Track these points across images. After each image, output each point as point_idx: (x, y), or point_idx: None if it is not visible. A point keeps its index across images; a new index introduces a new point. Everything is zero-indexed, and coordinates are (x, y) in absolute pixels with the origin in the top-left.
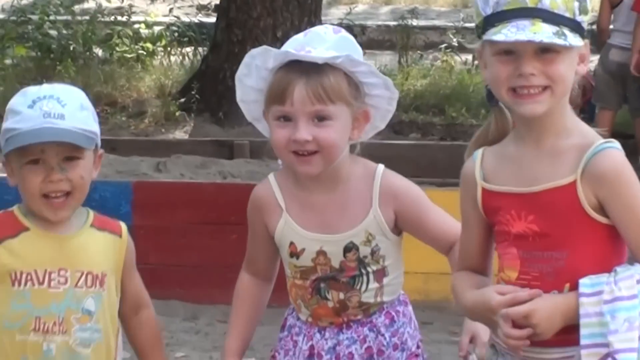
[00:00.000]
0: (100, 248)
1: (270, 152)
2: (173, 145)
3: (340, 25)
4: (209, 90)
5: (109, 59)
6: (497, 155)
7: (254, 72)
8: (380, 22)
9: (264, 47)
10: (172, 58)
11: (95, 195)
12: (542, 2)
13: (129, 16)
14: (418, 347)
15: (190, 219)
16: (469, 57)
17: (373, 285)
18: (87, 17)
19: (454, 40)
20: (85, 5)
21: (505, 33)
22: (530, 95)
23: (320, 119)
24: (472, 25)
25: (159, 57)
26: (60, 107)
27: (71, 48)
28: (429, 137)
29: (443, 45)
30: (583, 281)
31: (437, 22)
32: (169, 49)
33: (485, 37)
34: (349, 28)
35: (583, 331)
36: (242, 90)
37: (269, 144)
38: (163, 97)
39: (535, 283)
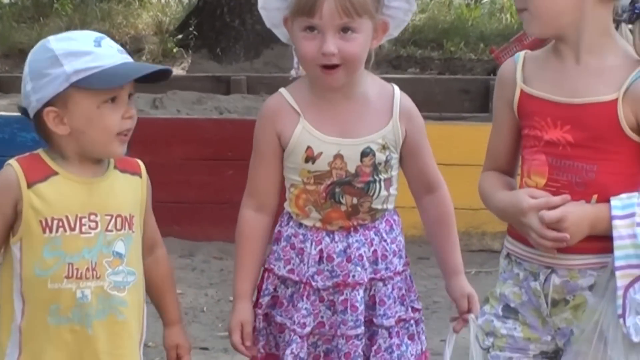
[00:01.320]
0: (126, 190)
1: (267, 88)
2: (170, 81)
3: None
4: (207, 26)
5: None
6: (538, 61)
7: None
8: None
9: None
10: None
11: None
12: None
13: None
14: (407, 257)
15: (187, 155)
16: None
17: (383, 192)
18: None
19: None
20: None
21: None
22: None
23: (346, 30)
24: None
25: None
26: (116, 44)
27: None
28: (428, 72)
29: None
30: (614, 203)
31: None
32: None
33: None
34: None
35: (617, 253)
36: None
37: (265, 79)
38: (160, 34)
39: (563, 191)
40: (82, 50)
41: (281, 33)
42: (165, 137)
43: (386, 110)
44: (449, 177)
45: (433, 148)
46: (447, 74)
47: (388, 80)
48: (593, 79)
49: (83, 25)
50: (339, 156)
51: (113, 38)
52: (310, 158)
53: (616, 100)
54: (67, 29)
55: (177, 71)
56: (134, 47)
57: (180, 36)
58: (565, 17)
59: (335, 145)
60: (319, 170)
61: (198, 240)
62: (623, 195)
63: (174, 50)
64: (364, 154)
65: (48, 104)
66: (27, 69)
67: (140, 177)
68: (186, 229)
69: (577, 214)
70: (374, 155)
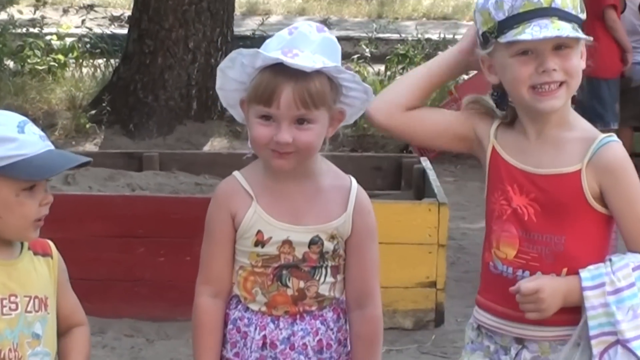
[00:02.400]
0: (40, 271)
1: (179, 164)
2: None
3: (253, 36)
4: (120, 102)
5: (20, 71)
6: (507, 133)
7: (238, 67)
8: None
9: (255, 50)
10: (84, 70)
11: None
12: (555, 2)
13: (41, 28)
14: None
15: (98, 232)
16: (382, 67)
17: (329, 279)
18: None
19: (367, 50)
20: None
21: (530, 32)
22: (550, 91)
23: (302, 122)
24: (385, 35)
25: (71, 68)
26: (38, 129)
27: None
28: (340, 149)
29: (356, 56)
30: (584, 275)
31: (350, 33)
32: (80, 60)
33: (505, 39)
34: (263, 39)
35: (591, 323)
36: (223, 80)
37: (178, 155)
38: (74, 109)
39: (534, 264)
40: (6, 136)
41: (237, 113)
42: (76, 214)
43: (340, 202)
44: None
45: None
46: (360, 150)
47: None
48: (556, 151)
49: None
50: (287, 242)
51: (26, 113)
52: (259, 242)
53: (579, 170)
54: None
55: (89, 147)
56: (47, 122)
57: (93, 112)
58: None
59: (284, 231)
60: (267, 254)
61: (109, 317)
62: (591, 267)
63: (87, 126)
64: (312, 242)
65: None
66: None
67: (52, 257)
68: (97, 306)
69: (552, 286)
70: (322, 244)
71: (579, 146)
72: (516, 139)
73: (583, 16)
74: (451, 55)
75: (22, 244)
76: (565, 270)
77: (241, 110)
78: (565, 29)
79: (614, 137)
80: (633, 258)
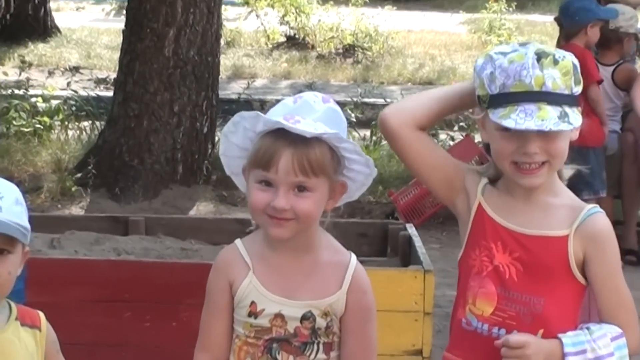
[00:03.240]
0: (26, 343)
1: (165, 229)
2: (68, 221)
3: (238, 99)
4: (106, 166)
5: (6, 133)
6: (494, 192)
7: (240, 131)
8: (279, 97)
9: (256, 112)
10: (70, 132)
11: None
12: (545, 85)
13: (27, 90)
14: None
15: (84, 296)
16: (367, 132)
17: (321, 355)
18: None
19: (352, 115)
20: None
21: (515, 119)
22: (531, 170)
23: (301, 189)
24: (371, 100)
25: (56, 131)
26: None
27: None
28: (326, 214)
29: None
30: (565, 340)
31: (336, 97)
32: (66, 123)
33: (493, 117)
34: (248, 102)
35: None
36: (226, 146)
37: (164, 220)
38: (59, 172)
39: (510, 322)
40: None
41: (240, 181)
42: (62, 278)
43: (336, 279)
44: None
45: None
46: (346, 216)
47: None
48: (543, 214)
49: None
50: (280, 315)
51: (12, 175)
52: (253, 313)
53: (567, 236)
54: None
55: (75, 210)
56: (32, 185)
57: (79, 175)
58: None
59: (277, 304)
60: (260, 326)
61: None
62: (570, 333)
63: (73, 189)
64: (304, 317)
65: None
66: None
67: (40, 330)
68: None
69: (537, 344)
70: (314, 320)
71: (567, 213)
72: (504, 198)
73: (578, 90)
74: (467, 87)
75: (9, 313)
76: (541, 331)
77: (244, 178)
78: (550, 120)
79: (599, 208)
80: (610, 329)
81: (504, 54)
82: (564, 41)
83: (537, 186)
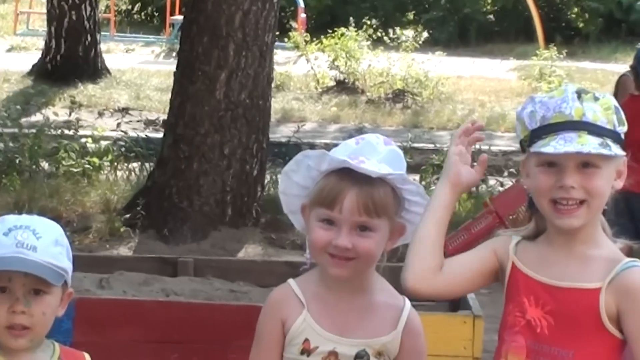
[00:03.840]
0: None
1: (214, 271)
2: (116, 262)
3: (288, 143)
4: (155, 207)
5: (55, 173)
6: (529, 246)
7: (303, 170)
8: (328, 141)
9: (322, 151)
10: (119, 173)
11: None
12: (585, 116)
13: (77, 130)
14: None
15: (132, 337)
16: (416, 177)
17: None
18: (33, 131)
19: None
20: (33, 118)
21: (554, 145)
22: (568, 210)
23: (363, 229)
24: (420, 145)
25: (106, 171)
26: (35, 239)
27: (17, 161)
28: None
29: None
30: None
31: None
32: (115, 163)
33: (533, 149)
34: (297, 146)
35: None
36: (286, 184)
37: (213, 261)
38: (108, 213)
39: None
40: None
41: (297, 220)
42: (110, 318)
43: (391, 320)
44: None
45: None
46: (394, 260)
47: None
48: (580, 266)
49: (31, 202)
50: (333, 353)
51: (60, 215)
52: (306, 350)
53: (599, 289)
54: (15, 204)
55: (123, 251)
56: (81, 225)
57: (127, 215)
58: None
59: (331, 342)
60: None
61: None
62: None
63: (121, 229)
64: (358, 356)
65: None
66: None
67: None
68: None
69: None
70: (368, 358)
71: (603, 265)
72: (539, 251)
73: (622, 129)
74: (446, 194)
75: (52, 353)
76: None
77: (302, 216)
78: (590, 145)
79: (638, 262)
80: None
81: (544, 94)
82: (637, 90)
83: (575, 228)
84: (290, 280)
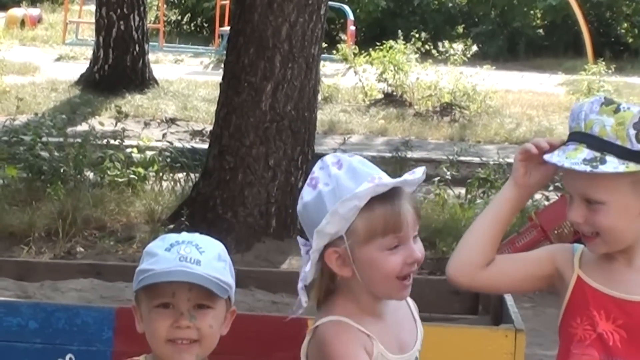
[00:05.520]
0: None
1: (257, 282)
2: None
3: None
4: (199, 217)
5: (100, 183)
6: (592, 259)
7: (337, 219)
8: (375, 153)
9: (371, 186)
10: (164, 183)
11: (78, 320)
12: (592, 129)
13: (122, 140)
14: None
15: None
16: (462, 190)
17: None
18: (79, 140)
19: (448, 173)
20: (78, 128)
21: (552, 154)
22: (587, 237)
23: (415, 237)
24: (467, 159)
25: (151, 182)
26: (198, 253)
27: (62, 170)
28: (419, 271)
29: (436, 179)
30: None
31: (432, 155)
32: (160, 174)
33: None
34: None
35: None
36: (318, 241)
37: (255, 272)
38: (152, 223)
39: None
40: (152, 252)
41: (313, 259)
42: None
43: (414, 318)
44: None
45: (422, 351)
46: (438, 273)
47: None
48: None
49: (75, 211)
50: None
51: (104, 225)
52: None
53: None
54: (59, 213)
55: None
56: (125, 235)
57: (172, 226)
58: (633, 236)
59: None
60: None
61: None
62: None
63: None
64: None
65: (137, 298)
66: None
67: None
68: None
69: None
70: None
71: None
72: (604, 265)
73: (636, 147)
74: (510, 192)
75: None
76: None
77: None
78: (573, 160)
79: None
80: None
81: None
82: None
83: (602, 253)
84: (335, 318)
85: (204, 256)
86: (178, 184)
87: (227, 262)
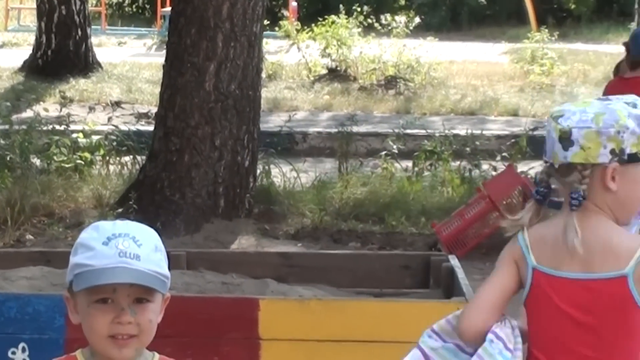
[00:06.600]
0: None
1: (207, 263)
2: None
3: (280, 132)
4: (147, 200)
5: (47, 169)
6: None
7: None
8: (320, 129)
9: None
10: (111, 167)
11: (29, 309)
12: None
13: (67, 125)
14: None
15: None
16: (409, 163)
17: None
18: (24, 127)
19: (394, 147)
20: (23, 115)
21: None
22: None
23: None
24: (413, 131)
25: (97, 166)
26: (136, 247)
27: (8, 158)
28: (368, 246)
29: (383, 153)
30: None
31: (378, 128)
32: (107, 158)
33: None
34: (290, 135)
35: None
36: None
37: (205, 254)
38: (101, 208)
39: None
40: (88, 244)
41: None
42: None
43: None
44: (388, 354)
45: (374, 326)
46: (389, 248)
47: (329, 256)
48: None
49: (23, 199)
50: None
51: (53, 212)
52: None
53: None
54: (7, 202)
55: None
56: (73, 221)
57: (120, 210)
58: None
59: None
60: None
61: None
62: None
63: None
64: None
65: (69, 289)
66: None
67: None
68: None
69: None
70: None
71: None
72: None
73: None
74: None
75: None
76: None
77: None
78: None
79: None
80: None
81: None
82: (629, 69)
83: None
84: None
85: (142, 250)
86: (125, 168)
87: (163, 252)
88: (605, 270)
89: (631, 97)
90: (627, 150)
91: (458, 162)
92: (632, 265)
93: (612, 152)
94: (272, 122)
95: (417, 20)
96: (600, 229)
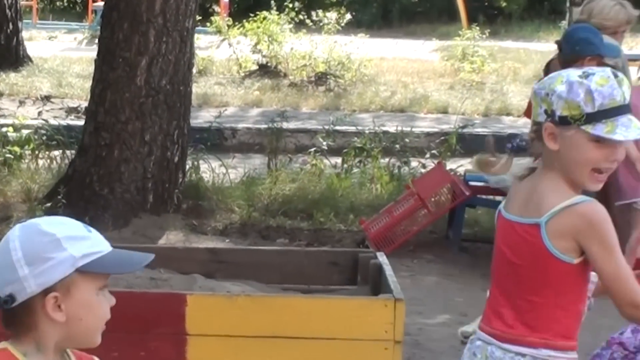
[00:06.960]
0: None
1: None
2: None
3: (210, 128)
4: (76, 195)
5: None
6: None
7: None
8: (250, 125)
9: None
10: (40, 162)
11: None
12: (626, 99)
13: None
14: None
15: None
16: (339, 160)
17: None
18: None
19: (324, 143)
20: None
21: (621, 133)
22: (605, 177)
23: None
24: (342, 128)
25: (27, 160)
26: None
27: None
28: (297, 243)
29: (312, 149)
30: None
31: (307, 124)
32: (36, 152)
33: (596, 132)
34: (219, 131)
35: None
36: None
37: (132, 249)
38: (29, 202)
39: None
40: (79, 235)
41: None
42: None
43: None
44: (316, 351)
45: (302, 322)
46: (317, 244)
47: (257, 252)
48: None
49: None
50: None
51: None
52: None
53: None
54: None
55: None
56: (1, 215)
57: (49, 204)
58: None
59: None
60: None
61: None
62: None
63: None
64: None
65: (50, 289)
66: (19, 253)
67: None
68: None
69: None
70: None
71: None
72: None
73: None
74: None
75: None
76: None
77: None
78: None
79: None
80: None
81: (587, 77)
82: (560, 66)
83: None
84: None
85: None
86: (54, 162)
87: None
88: (528, 216)
89: (595, 69)
90: (558, 113)
91: (387, 159)
92: (546, 216)
93: (546, 112)
94: (202, 117)
95: (348, 16)
96: (542, 182)
